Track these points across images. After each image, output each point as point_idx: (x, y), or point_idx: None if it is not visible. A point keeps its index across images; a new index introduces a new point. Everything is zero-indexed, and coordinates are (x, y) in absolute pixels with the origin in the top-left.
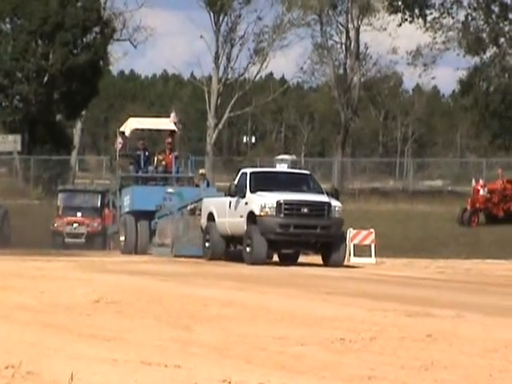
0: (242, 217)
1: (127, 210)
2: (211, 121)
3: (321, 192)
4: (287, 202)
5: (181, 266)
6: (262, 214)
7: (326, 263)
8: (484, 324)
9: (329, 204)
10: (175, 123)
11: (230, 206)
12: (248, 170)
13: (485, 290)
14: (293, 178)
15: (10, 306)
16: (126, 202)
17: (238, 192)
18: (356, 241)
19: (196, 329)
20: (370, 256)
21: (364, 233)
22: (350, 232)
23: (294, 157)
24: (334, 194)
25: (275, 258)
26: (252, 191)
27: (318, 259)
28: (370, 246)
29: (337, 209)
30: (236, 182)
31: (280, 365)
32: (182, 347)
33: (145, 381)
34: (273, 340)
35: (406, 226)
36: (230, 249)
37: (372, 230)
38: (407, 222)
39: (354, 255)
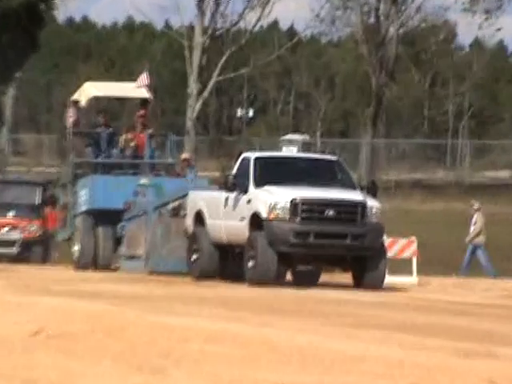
0: (242, 220)
1: (84, 208)
2: (193, 87)
3: (352, 187)
4: (306, 201)
5: (153, 286)
6: (271, 216)
7: (359, 285)
8: None
9: (363, 204)
10: (148, 88)
11: (226, 203)
12: (252, 155)
13: None
14: (314, 166)
15: None
16: (83, 197)
17: (238, 185)
18: (392, 253)
19: (172, 372)
20: (411, 274)
21: (402, 242)
22: (384, 241)
23: (306, 137)
24: (371, 190)
25: (288, 276)
26: (257, 185)
27: (348, 279)
28: (410, 260)
29: (374, 210)
30: (235, 171)
31: None
32: None
33: None
34: None
35: (460, 233)
36: (227, 263)
37: (413, 237)
38: (462, 227)
39: (389, 273)
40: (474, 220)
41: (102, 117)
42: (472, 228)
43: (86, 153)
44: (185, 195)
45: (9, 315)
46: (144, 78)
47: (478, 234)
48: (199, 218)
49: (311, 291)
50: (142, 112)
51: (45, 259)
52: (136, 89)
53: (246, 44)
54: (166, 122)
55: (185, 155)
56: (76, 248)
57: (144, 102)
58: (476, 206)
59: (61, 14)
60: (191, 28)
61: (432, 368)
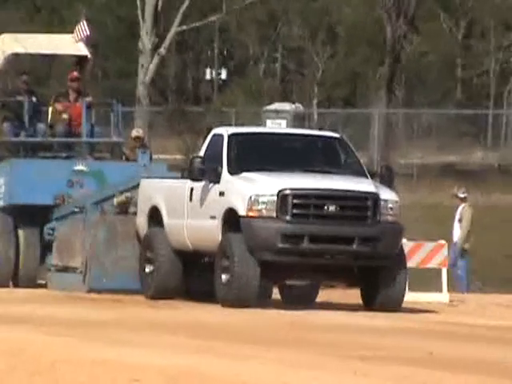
0: (213, 218)
1: (0, 204)
2: (146, 41)
3: (361, 173)
4: (298, 193)
5: (94, 308)
6: (252, 213)
7: (371, 305)
8: None
9: (376, 196)
10: (87, 42)
11: (190, 196)
12: (225, 132)
13: None
14: (309, 146)
15: None
16: None
17: (207, 172)
18: (414, 262)
19: None
20: (440, 289)
21: (428, 247)
22: (404, 246)
23: (298, 106)
24: (386, 177)
25: (275, 294)
26: (233, 171)
27: (355, 297)
28: (439, 272)
29: (390, 205)
30: (203, 152)
31: None
32: None
33: None
34: None
35: (505, 235)
36: (192, 276)
37: (443, 241)
38: (508, 227)
39: (411, 288)
40: (458, 214)
41: (23, 81)
42: (457, 225)
43: (2, 129)
44: (135, 186)
45: None
46: (82, 29)
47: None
48: (155, 216)
49: (306, 314)
50: (75, 74)
51: None
52: (71, 43)
53: None
54: (110, 87)
55: (136, 132)
56: None
57: (80, 61)
58: (461, 193)
59: None
60: None
61: None
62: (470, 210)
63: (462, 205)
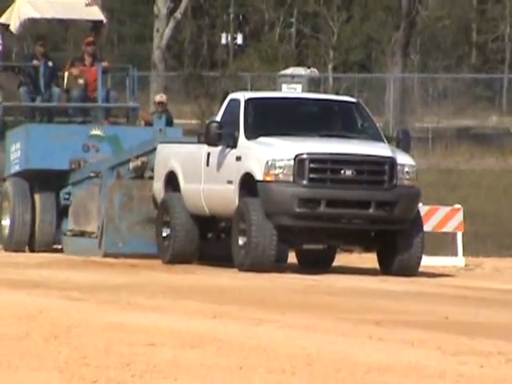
0: (230, 183)
1: (15, 169)
2: (162, 5)
3: (377, 138)
4: (315, 157)
5: (110, 272)
6: (269, 178)
7: (388, 269)
8: None
9: (392, 161)
10: (101, 7)
11: (207, 161)
12: (242, 96)
13: None
14: (325, 110)
15: None
16: (14, 154)
17: (224, 137)
18: (430, 226)
19: None
20: (456, 254)
21: (444, 211)
22: (419, 210)
23: (314, 71)
24: (402, 142)
25: (292, 258)
26: (250, 136)
27: (372, 261)
28: (454, 236)
29: (407, 169)
30: (220, 117)
31: None
32: None
33: None
34: None
35: None
36: (209, 241)
37: (459, 206)
38: None
39: (427, 252)
40: None
41: (39, 45)
42: None
43: (17, 94)
44: (151, 150)
45: None
46: None
47: None
48: (171, 180)
49: (322, 278)
50: (90, 39)
51: None
52: (85, 8)
53: None
54: (126, 52)
55: (160, 97)
56: (5, 222)
57: (96, 26)
58: None
59: None
60: None
61: (482, 380)
62: None
63: None
